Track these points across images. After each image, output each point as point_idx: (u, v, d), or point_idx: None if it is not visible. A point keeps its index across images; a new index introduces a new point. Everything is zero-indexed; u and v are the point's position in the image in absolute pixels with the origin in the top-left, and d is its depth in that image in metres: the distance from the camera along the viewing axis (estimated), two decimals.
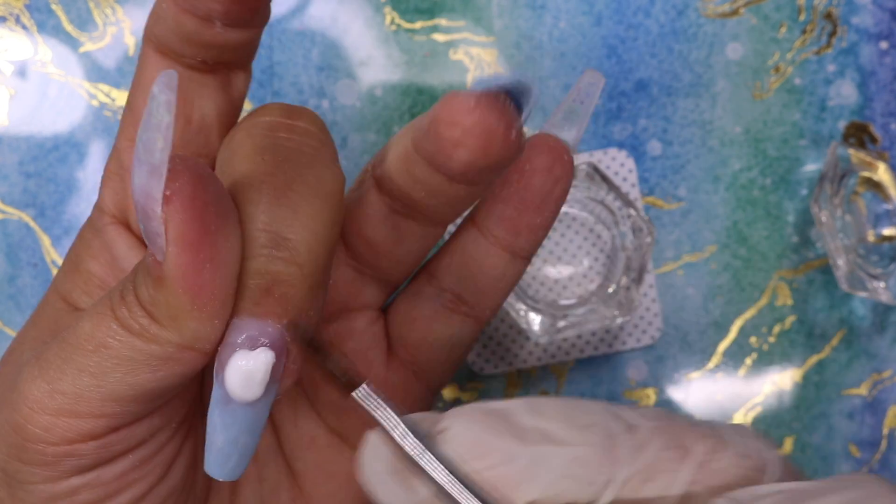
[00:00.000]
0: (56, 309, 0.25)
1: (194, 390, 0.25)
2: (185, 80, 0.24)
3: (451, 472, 0.20)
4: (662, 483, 0.20)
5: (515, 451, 0.20)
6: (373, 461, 0.22)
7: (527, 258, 0.26)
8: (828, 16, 0.37)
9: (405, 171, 0.24)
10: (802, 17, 0.37)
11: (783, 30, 0.37)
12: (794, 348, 0.37)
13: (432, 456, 0.21)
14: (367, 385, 0.22)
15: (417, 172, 0.24)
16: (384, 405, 0.22)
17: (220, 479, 0.22)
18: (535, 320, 0.34)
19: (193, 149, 0.25)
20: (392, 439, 0.21)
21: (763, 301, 0.37)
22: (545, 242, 0.35)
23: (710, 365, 0.37)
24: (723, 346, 0.37)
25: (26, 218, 0.36)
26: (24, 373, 0.22)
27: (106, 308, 0.21)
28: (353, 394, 0.21)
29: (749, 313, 0.37)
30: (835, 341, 0.37)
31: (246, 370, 0.21)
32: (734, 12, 0.37)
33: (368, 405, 0.22)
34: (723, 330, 0.37)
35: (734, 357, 0.37)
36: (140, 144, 0.19)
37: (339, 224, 0.23)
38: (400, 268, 0.27)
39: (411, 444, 0.21)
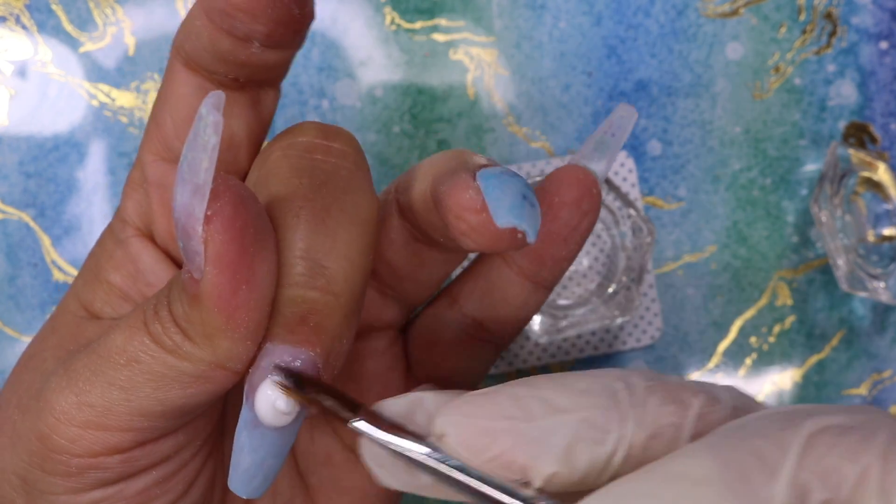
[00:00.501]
0: (78, 317, 0.25)
1: (219, 409, 0.25)
2: None
3: (467, 474, 0.20)
4: (669, 438, 0.20)
5: (521, 429, 0.20)
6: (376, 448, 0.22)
7: (549, 288, 0.26)
8: (828, 16, 0.37)
9: (426, 211, 0.24)
10: (802, 17, 0.37)
11: (783, 30, 0.37)
12: (794, 348, 0.37)
13: (448, 467, 0.20)
14: (365, 411, 0.21)
15: (436, 220, 0.23)
16: (381, 434, 0.21)
17: (244, 497, 0.22)
18: (535, 320, 0.34)
19: (222, 167, 0.25)
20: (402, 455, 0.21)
21: (763, 301, 0.37)
22: None
23: (710, 365, 0.37)
24: (723, 346, 0.37)
25: (26, 218, 0.36)
26: (52, 382, 0.22)
27: (139, 322, 0.21)
28: (355, 424, 0.21)
29: (749, 313, 0.37)
30: (835, 341, 0.37)
31: (276, 398, 0.21)
32: (734, 12, 0.37)
33: (370, 432, 0.21)
34: (723, 330, 0.37)
35: (734, 357, 0.37)
36: (185, 163, 0.19)
37: (374, 250, 0.23)
38: (421, 290, 0.26)
39: (429, 458, 0.21)
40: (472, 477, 0.20)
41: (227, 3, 0.21)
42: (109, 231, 0.26)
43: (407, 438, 0.21)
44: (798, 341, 0.37)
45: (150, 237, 0.25)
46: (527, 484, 0.20)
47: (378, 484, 0.22)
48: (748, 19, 0.37)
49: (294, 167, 0.22)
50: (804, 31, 0.37)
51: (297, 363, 0.21)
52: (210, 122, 0.18)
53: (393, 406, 0.22)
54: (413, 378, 0.28)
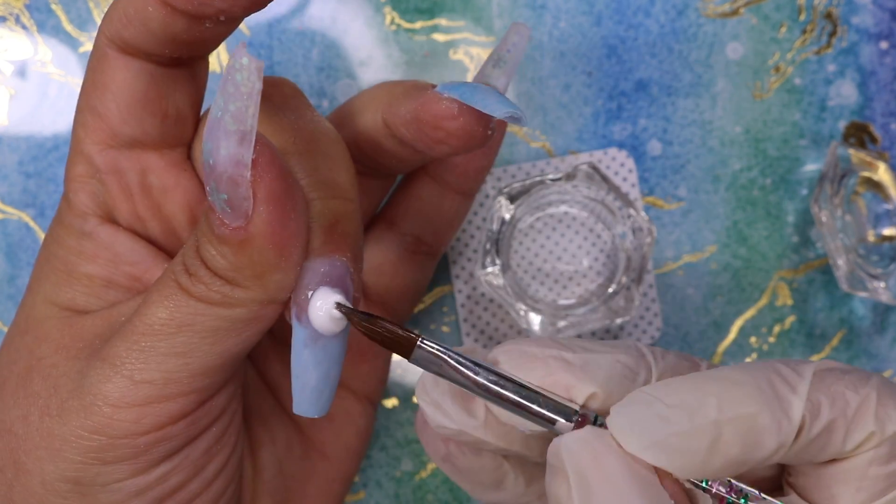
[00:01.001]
0: (62, 318, 0.25)
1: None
2: (157, 77, 0.25)
3: (519, 388, 0.23)
4: None
5: (566, 357, 0.23)
6: (433, 388, 0.24)
7: (473, 196, 0.30)
8: (828, 16, 0.37)
9: (372, 141, 0.26)
10: (802, 17, 0.37)
11: (783, 30, 0.37)
12: (794, 348, 0.37)
13: (500, 375, 0.23)
14: (423, 340, 0.23)
15: (387, 146, 0.26)
16: (446, 350, 0.23)
17: (313, 416, 0.24)
18: (535, 320, 0.34)
19: (174, 141, 0.26)
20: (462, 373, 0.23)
21: (763, 301, 0.37)
22: (545, 242, 0.36)
23: None
24: (723, 346, 0.37)
25: (26, 218, 0.36)
26: (91, 377, 0.23)
27: (175, 290, 0.22)
28: (418, 346, 0.23)
29: (749, 313, 0.37)
30: (835, 341, 0.37)
31: (329, 306, 0.22)
32: (734, 12, 0.37)
33: (434, 351, 0.23)
34: (723, 330, 0.37)
35: (734, 357, 0.37)
36: (226, 116, 0.20)
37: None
38: (362, 217, 0.28)
39: (484, 374, 0.23)
40: (528, 389, 0.23)
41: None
42: (63, 230, 0.26)
43: (466, 360, 0.23)
44: (798, 341, 0.37)
45: (114, 223, 0.26)
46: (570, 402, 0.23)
47: (431, 425, 0.24)
48: (748, 19, 0.37)
49: (271, 125, 0.25)
50: (804, 31, 0.37)
51: (333, 270, 0.22)
52: (253, 68, 0.19)
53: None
54: (367, 302, 0.30)
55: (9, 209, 0.36)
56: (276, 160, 0.21)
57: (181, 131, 0.26)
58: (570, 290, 0.36)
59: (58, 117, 0.36)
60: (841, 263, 0.35)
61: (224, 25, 0.23)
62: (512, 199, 0.33)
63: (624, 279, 0.34)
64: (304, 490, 0.29)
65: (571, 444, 0.22)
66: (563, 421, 0.23)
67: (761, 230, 0.37)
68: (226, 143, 0.20)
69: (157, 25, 0.23)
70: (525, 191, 0.33)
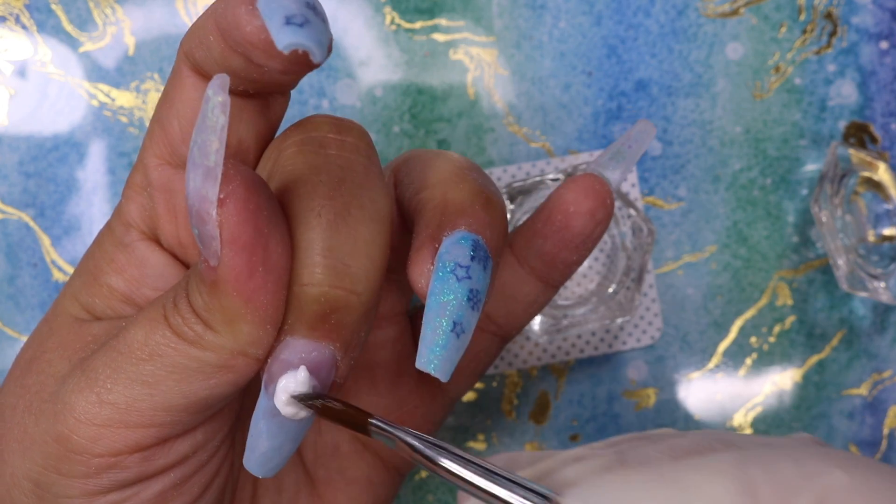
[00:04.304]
0: (78, 319, 0.25)
1: (235, 409, 0.25)
2: None
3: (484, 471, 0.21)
4: None
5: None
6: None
7: (557, 287, 0.27)
8: (828, 16, 0.37)
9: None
10: (802, 17, 0.37)
11: (783, 30, 0.37)
12: (794, 348, 0.37)
13: (460, 457, 0.21)
14: (373, 419, 0.22)
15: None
16: (397, 429, 0.21)
17: (259, 476, 0.23)
18: (536, 320, 0.34)
19: None
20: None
21: (763, 301, 0.37)
22: None
23: (710, 365, 0.37)
24: (723, 346, 0.37)
25: (26, 218, 0.36)
26: (69, 384, 0.22)
27: (158, 316, 0.22)
28: (370, 423, 0.21)
29: (749, 313, 0.37)
30: (835, 341, 0.37)
31: (295, 392, 0.21)
32: (734, 12, 0.37)
33: (386, 429, 0.21)
34: (723, 330, 0.37)
35: (734, 357, 0.37)
36: (195, 148, 0.19)
37: (390, 245, 0.23)
38: None
39: (447, 455, 0.21)
40: (494, 474, 0.20)
41: (243, 38, 0.21)
42: (109, 233, 0.26)
43: (421, 438, 0.21)
44: (798, 341, 0.37)
45: (156, 241, 0.25)
46: None
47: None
48: (748, 19, 0.37)
49: (310, 164, 0.22)
50: (804, 31, 0.37)
51: (316, 354, 0.21)
52: (217, 102, 0.18)
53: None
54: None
55: (9, 209, 0.36)
56: (250, 205, 0.20)
57: (242, 162, 0.25)
58: (570, 290, 0.36)
59: (58, 117, 0.36)
60: (841, 263, 0.35)
61: (285, 76, 0.22)
62: (512, 198, 0.33)
63: (624, 279, 0.34)
64: None
65: None
66: None
67: (761, 230, 0.37)
68: (193, 175, 0.19)
69: (218, 57, 0.22)
70: (525, 191, 0.33)
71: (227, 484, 0.26)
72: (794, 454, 0.20)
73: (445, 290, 0.22)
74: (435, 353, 0.22)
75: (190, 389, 0.21)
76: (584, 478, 0.21)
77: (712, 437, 0.23)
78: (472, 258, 0.23)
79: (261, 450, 0.22)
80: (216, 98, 0.19)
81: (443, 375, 0.22)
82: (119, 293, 0.25)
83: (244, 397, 0.26)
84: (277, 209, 0.21)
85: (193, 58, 0.23)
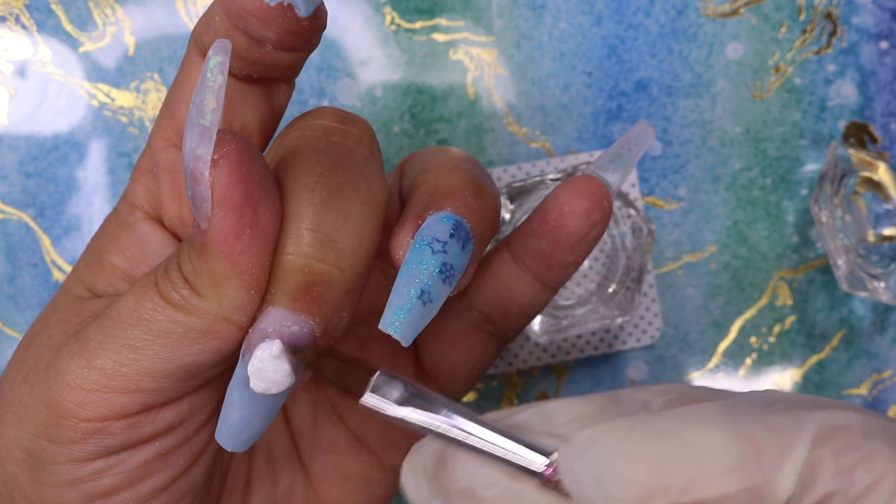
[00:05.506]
0: (80, 297, 0.26)
1: (224, 383, 0.25)
2: (229, 88, 0.24)
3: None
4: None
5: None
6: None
7: (555, 289, 0.27)
8: (828, 16, 0.37)
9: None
10: (802, 17, 0.37)
11: (783, 30, 0.37)
12: (794, 348, 0.37)
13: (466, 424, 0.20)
14: (381, 374, 0.21)
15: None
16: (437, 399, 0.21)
17: (229, 450, 0.23)
18: (536, 320, 0.34)
19: None
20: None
21: (763, 301, 0.37)
22: None
23: (710, 365, 0.37)
24: (723, 346, 0.37)
25: (26, 218, 0.36)
26: (63, 351, 0.23)
27: (149, 283, 0.22)
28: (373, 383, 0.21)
29: (749, 313, 0.37)
30: (835, 341, 0.37)
31: (270, 363, 0.21)
32: (734, 12, 0.37)
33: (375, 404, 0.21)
34: (723, 330, 0.37)
35: (734, 357, 0.37)
36: (193, 107, 0.20)
37: (381, 233, 0.23)
38: None
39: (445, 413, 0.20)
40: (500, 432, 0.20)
41: (241, 7, 0.22)
42: (114, 215, 0.26)
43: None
44: (798, 341, 0.37)
45: (159, 221, 0.26)
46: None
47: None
48: (748, 19, 0.37)
49: (312, 146, 0.23)
50: (804, 31, 0.37)
51: (295, 328, 0.21)
52: (217, 62, 0.19)
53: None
54: (421, 366, 0.28)
55: (9, 209, 0.36)
56: (242, 168, 0.20)
57: None
58: (570, 290, 0.36)
59: (58, 117, 0.36)
60: (841, 263, 0.35)
61: (284, 55, 0.23)
62: (512, 198, 0.33)
63: (624, 279, 0.34)
64: None
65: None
66: (536, 463, 0.19)
67: (761, 230, 0.37)
68: (189, 135, 0.20)
69: (224, 37, 0.23)
70: (525, 190, 0.33)
71: (215, 464, 0.26)
72: (776, 400, 0.20)
73: (419, 260, 0.23)
74: (398, 317, 0.22)
75: (174, 355, 0.22)
76: (574, 432, 0.19)
77: (682, 389, 0.21)
78: (452, 236, 0.23)
79: (231, 420, 0.22)
80: (216, 58, 0.19)
81: (403, 339, 0.22)
82: (120, 271, 0.26)
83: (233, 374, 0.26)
84: (271, 178, 0.22)
85: (202, 42, 0.24)
